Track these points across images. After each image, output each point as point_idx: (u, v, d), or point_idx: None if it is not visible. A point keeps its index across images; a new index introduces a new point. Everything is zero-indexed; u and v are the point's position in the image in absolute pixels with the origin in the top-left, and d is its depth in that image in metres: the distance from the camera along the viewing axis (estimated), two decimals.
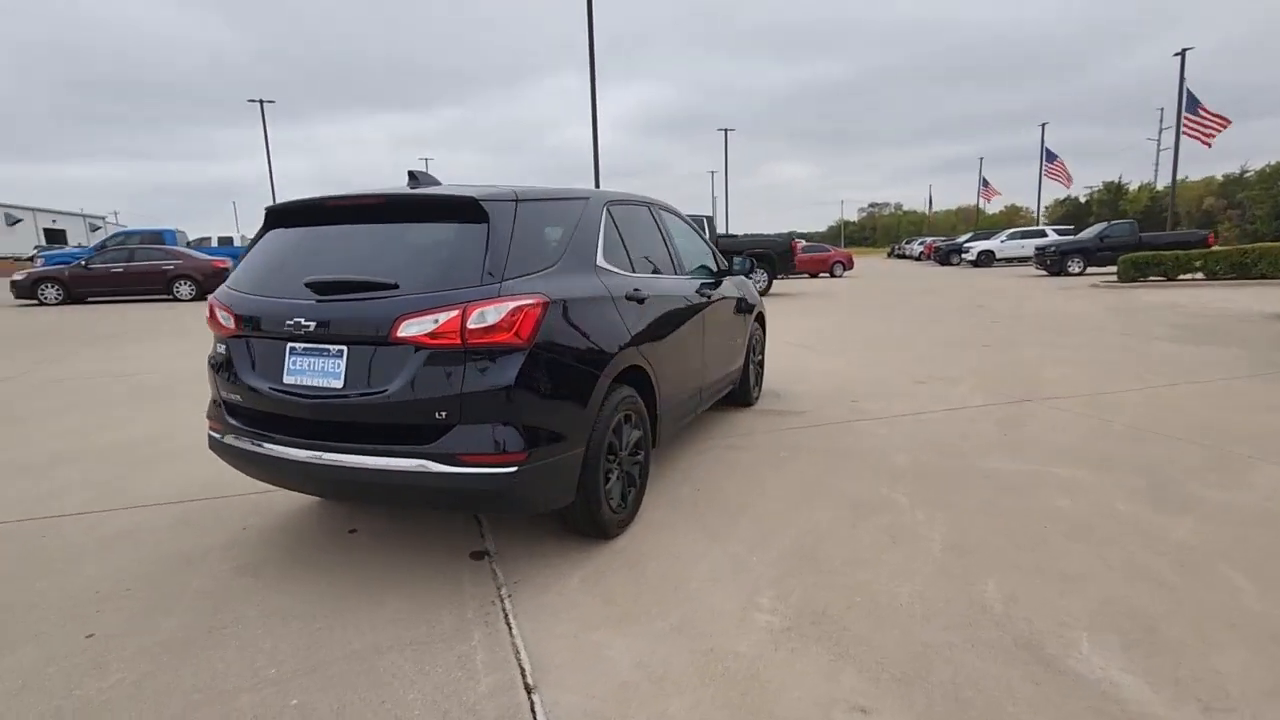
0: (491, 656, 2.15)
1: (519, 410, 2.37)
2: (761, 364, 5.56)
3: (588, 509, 2.75)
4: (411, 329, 2.31)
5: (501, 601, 2.48)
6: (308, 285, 2.48)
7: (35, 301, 16.34)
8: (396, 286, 2.39)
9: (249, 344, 2.67)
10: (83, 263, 16.90)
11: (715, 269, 4.65)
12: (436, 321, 2.30)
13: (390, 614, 2.39)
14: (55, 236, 51.29)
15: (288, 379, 2.53)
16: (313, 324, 2.43)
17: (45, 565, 2.82)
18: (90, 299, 17.00)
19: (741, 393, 5.13)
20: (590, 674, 2.06)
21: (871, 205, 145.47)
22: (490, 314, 2.32)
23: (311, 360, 2.49)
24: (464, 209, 2.53)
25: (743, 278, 5.26)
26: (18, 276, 16.75)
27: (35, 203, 53.48)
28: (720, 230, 25.40)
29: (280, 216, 2.82)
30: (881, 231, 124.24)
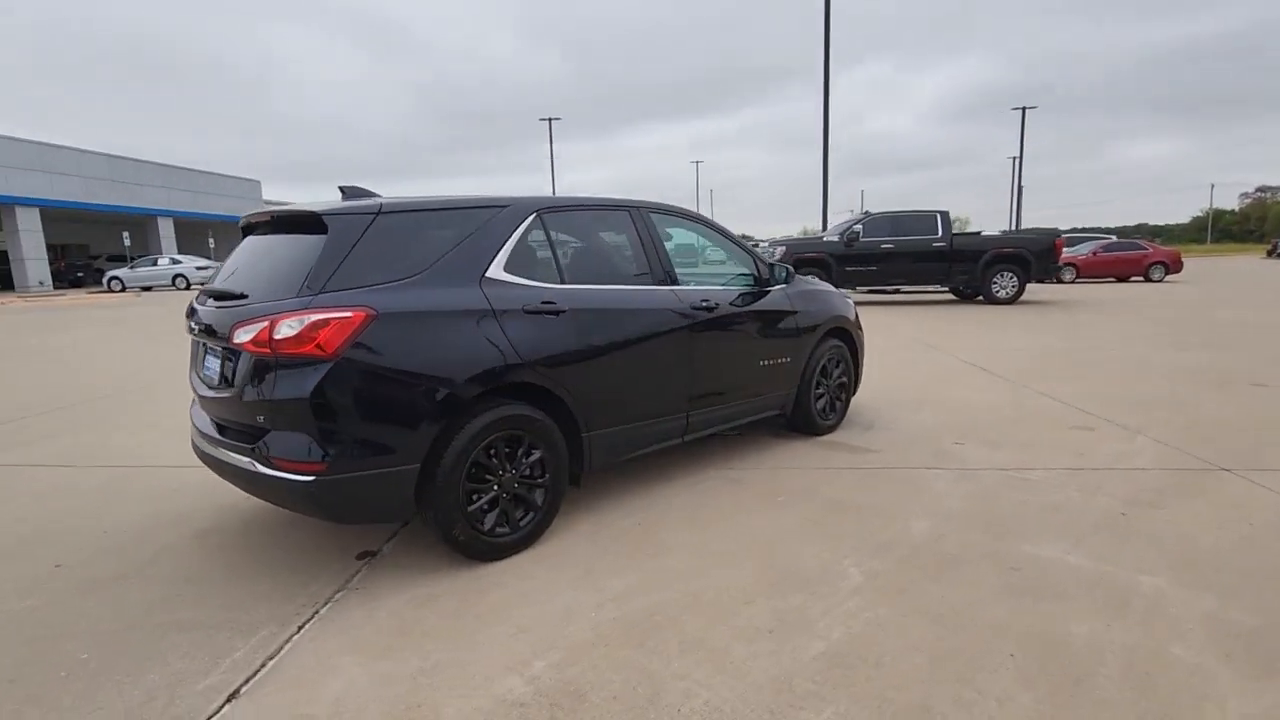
0: (248, 657, 2.23)
1: (318, 421, 2.40)
2: (846, 388, 4.78)
3: (442, 529, 2.68)
4: (242, 336, 2.49)
5: (322, 606, 2.55)
6: (203, 292, 2.81)
7: None
8: (245, 296, 2.59)
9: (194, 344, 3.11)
10: None
11: (757, 279, 4.13)
12: (254, 331, 2.44)
13: (234, 596, 2.61)
14: None
15: (202, 375, 2.90)
16: (199, 328, 2.75)
17: None
18: None
19: (802, 419, 4.48)
20: (301, 698, 2.02)
21: (1260, 190, 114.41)
22: (292, 326, 2.39)
23: (209, 360, 2.82)
24: (309, 223, 2.63)
25: (820, 290, 4.59)
26: None
27: None
28: (973, 228, 22.19)
29: (244, 229, 3.22)
30: (1272, 222, 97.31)
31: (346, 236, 2.58)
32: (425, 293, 2.65)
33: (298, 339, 2.37)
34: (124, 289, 28.34)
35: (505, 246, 2.97)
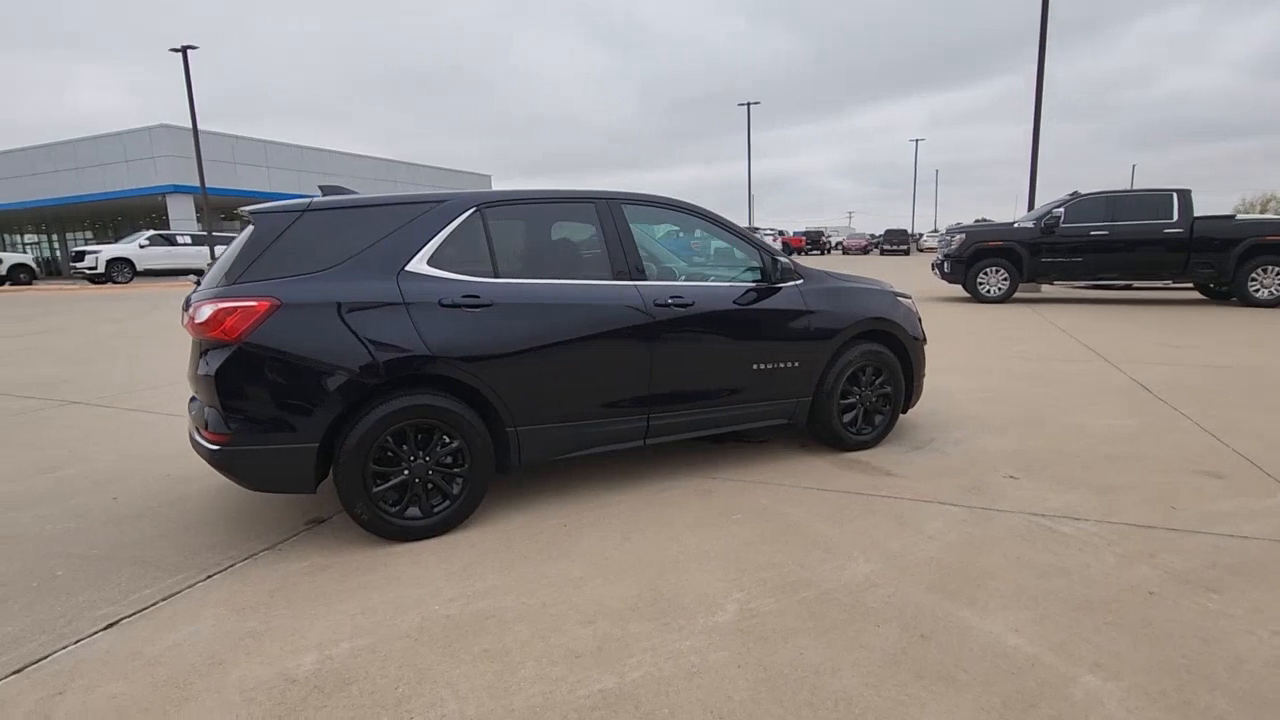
0: (150, 595, 2.60)
1: (222, 397, 2.70)
2: (892, 400, 4.18)
3: (345, 506, 2.87)
4: (184, 319, 2.87)
5: (239, 561, 2.87)
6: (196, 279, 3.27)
7: None
8: (199, 284, 2.97)
9: None
10: None
11: (763, 275, 3.78)
12: (187, 316, 2.81)
13: (192, 544, 3.05)
14: None
15: None
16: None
17: None
18: None
19: (822, 432, 4.02)
20: (150, 638, 2.32)
21: None
22: (205, 312, 2.70)
23: None
24: (247, 220, 2.93)
25: (851, 288, 4.08)
26: None
27: None
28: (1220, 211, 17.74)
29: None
30: None
31: (268, 233, 2.86)
32: (335, 285, 2.85)
33: (209, 324, 2.69)
34: None
35: (432, 241, 3.06)
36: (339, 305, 2.82)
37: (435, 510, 3.03)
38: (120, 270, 24.07)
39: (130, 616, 2.45)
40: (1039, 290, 14.95)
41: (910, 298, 4.47)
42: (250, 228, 2.90)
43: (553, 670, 2.09)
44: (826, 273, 4.14)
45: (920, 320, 4.45)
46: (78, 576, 2.76)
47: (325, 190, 3.36)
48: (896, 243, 46.25)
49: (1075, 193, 12.72)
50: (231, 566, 2.82)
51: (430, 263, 3.03)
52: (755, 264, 3.83)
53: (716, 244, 4.41)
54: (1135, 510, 3.15)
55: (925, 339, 4.46)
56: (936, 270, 14.07)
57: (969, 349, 7.71)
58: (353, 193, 3.30)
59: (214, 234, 26.87)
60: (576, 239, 3.51)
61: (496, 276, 3.15)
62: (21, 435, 4.95)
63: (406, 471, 2.94)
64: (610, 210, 3.48)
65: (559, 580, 2.66)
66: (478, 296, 3.05)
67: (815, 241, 52.34)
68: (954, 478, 3.65)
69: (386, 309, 2.89)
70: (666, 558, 2.83)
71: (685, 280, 3.75)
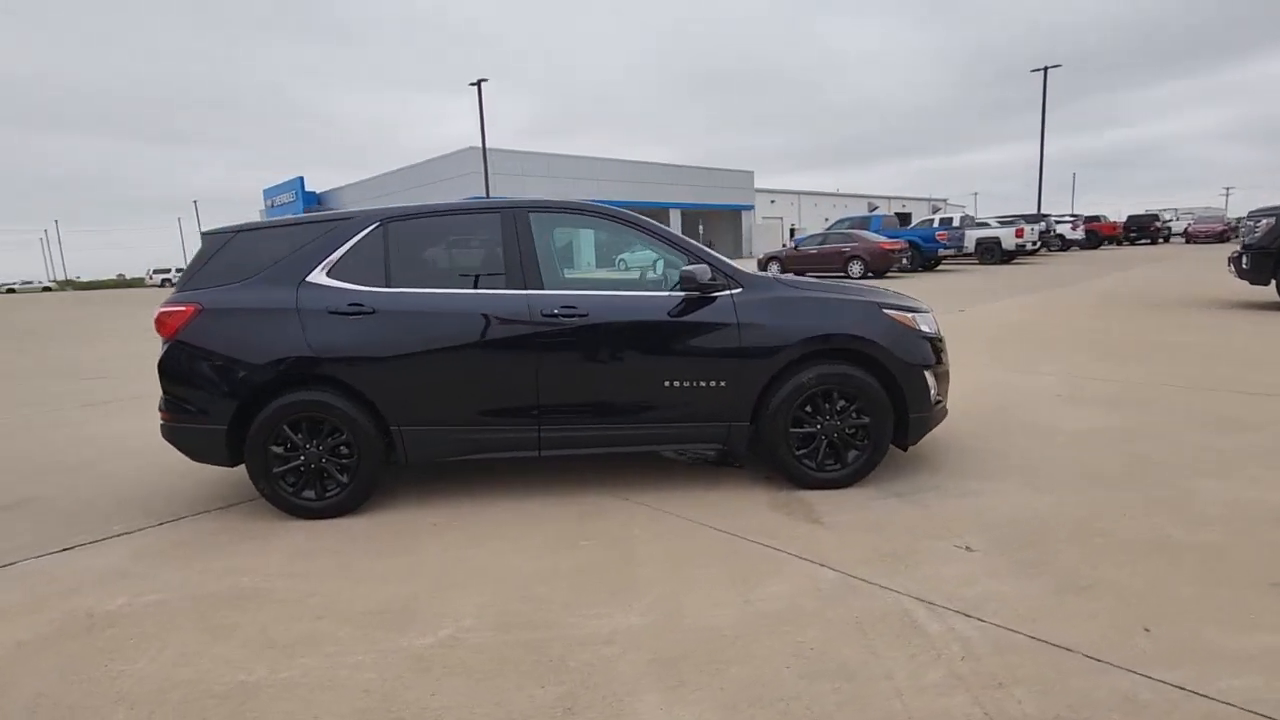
0: (86, 537, 3.37)
1: (163, 383, 3.35)
2: (872, 432, 3.46)
3: (252, 481, 3.37)
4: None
5: (180, 520, 3.54)
6: None
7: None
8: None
9: None
10: (794, 246, 21.64)
11: (692, 284, 3.41)
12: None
13: (160, 502, 3.83)
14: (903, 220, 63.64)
15: None
16: None
17: None
18: (787, 273, 21.65)
19: (772, 462, 3.52)
20: (48, 575, 3.03)
21: None
22: (156, 313, 3.37)
23: None
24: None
25: (816, 298, 3.52)
26: (760, 256, 22.98)
27: (936, 192, 66.41)
28: None
29: None
30: None
31: (209, 249, 3.46)
32: (246, 293, 3.34)
33: (157, 322, 3.37)
34: (627, 269, 36.37)
35: (334, 255, 3.39)
36: (245, 311, 3.32)
37: (328, 494, 3.38)
38: None
39: (51, 555, 3.21)
40: None
41: (918, 311, 3.63)
42: (200, 246, 3.55)
43: (234, 655, 2.27)
44: (784, 280, 3.59)
45: (930, 340, 3.59)
46: (51, 527, 3.68)
47: (310, 210, 3.91)
48: (1140, 229, 37.77)
49: None
50: (160, 524, 3.46)
51: (329, 274, 3.38)
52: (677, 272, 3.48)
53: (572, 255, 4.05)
54: (1082, 626, 2.24)
55: (937, 362, 3.59)
56: (1232, 266, 10.73)
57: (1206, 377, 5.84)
58: (323, 213, 3.80)
59: None
60: (478, 250, 3.56)
61: (389, 286, 3.39)
62: None
63: (302, 458, 3.34)
64: (515, 220, 3.47)
65: (356, 576, 2.81)
66: (362, 305, 3.32)
67: (1144, 228, 41.67)
68: (886, 537, 2.93)
69: (282, 315, 3.31)
70: (470, 570, 2.81)
71: (609, 290, 3.55)
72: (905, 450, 3.74)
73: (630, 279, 3.77)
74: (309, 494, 3.38)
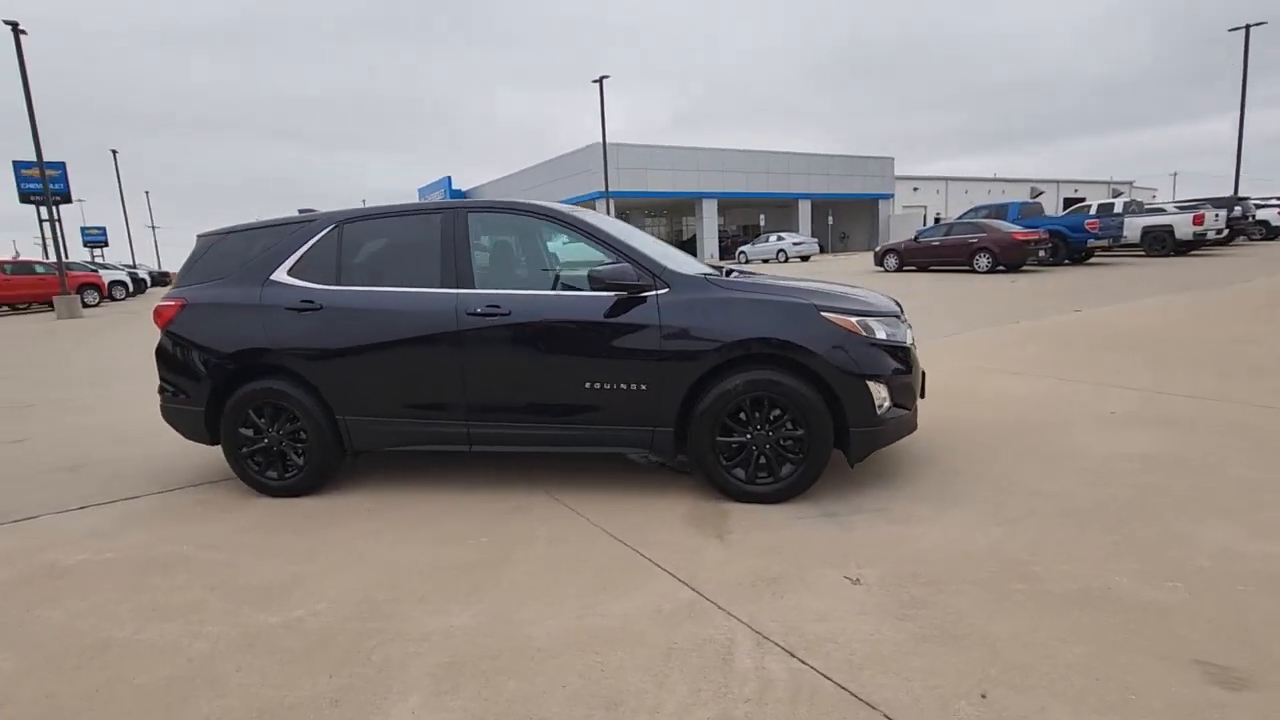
0: (97, 498, 3.90)
1: (159, 368, 3.80)
2: (808, 446, 3.21)
3: (226, 459, 3.76)
4: None
5: (183, 490, 4.00)
6: None
7: (881, 269, 20.78)
8: None
9: None
10: (915, 238, 20.12)
11: (621, 285, 3.32)
12: None
13: (178, 474, 4.34)
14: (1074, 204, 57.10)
15: None
16: None
17: None
18: (906, 268, 20.12)
19: (700, 470, 3.37)
20: (40, 536, 3.56)
21: None
22: (155, 307, 3.82)
23: None
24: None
25: (750, 299, 3.32)
26: (877, 249, 21.61)
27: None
28: None
29: None
30: None
31: (200, 251, 3.87)
32: (220, 290, 3.71)
33: (154, 315, 3.83)
34: (747, 261, 35.57)
35: (295, 254, 3.67)
36: (218, 306, 3.70)
37: (287, 475, 3.69)
38: None
39: (53, 514, 3.74)
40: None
41: (872, 315, 3.29)
42: (194, 246, 3.98)
43: (123, 613, 2.56)
44: (716, 280, 3.38)
45: (887, 347, 3.25)
46: (59, 487, 4.27)
47: (301, 211, 4.27)
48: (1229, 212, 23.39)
49: None
50: (172, 491, 3.95)
51: (290, 273, 3.67)
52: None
53: (501, 255, 3.96)
54: (912, 683, 1.96)
55: (898, 371, 3.25)
56: None
57: None
58: (312, 214, 4.12)
59: None
60: (420, 250, 3.67)
61: (338, 284, 3.62)
62: None
63: (265, 440, 3.67)
64: (454, 220, 3.57)
65: (270, 553, 3.05)
66: (312, 301, 3.57)
67: None
68: (779, 560, 2.72)
69: (247, 310, 3.64)
70: (359, 556, 2.96)
71: (500, 289, 3.53)
72: (851, 467, 3.43)
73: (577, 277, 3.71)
74: (271, 474, 3.71)
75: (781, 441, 3.25)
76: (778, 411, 3.23)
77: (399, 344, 3.50)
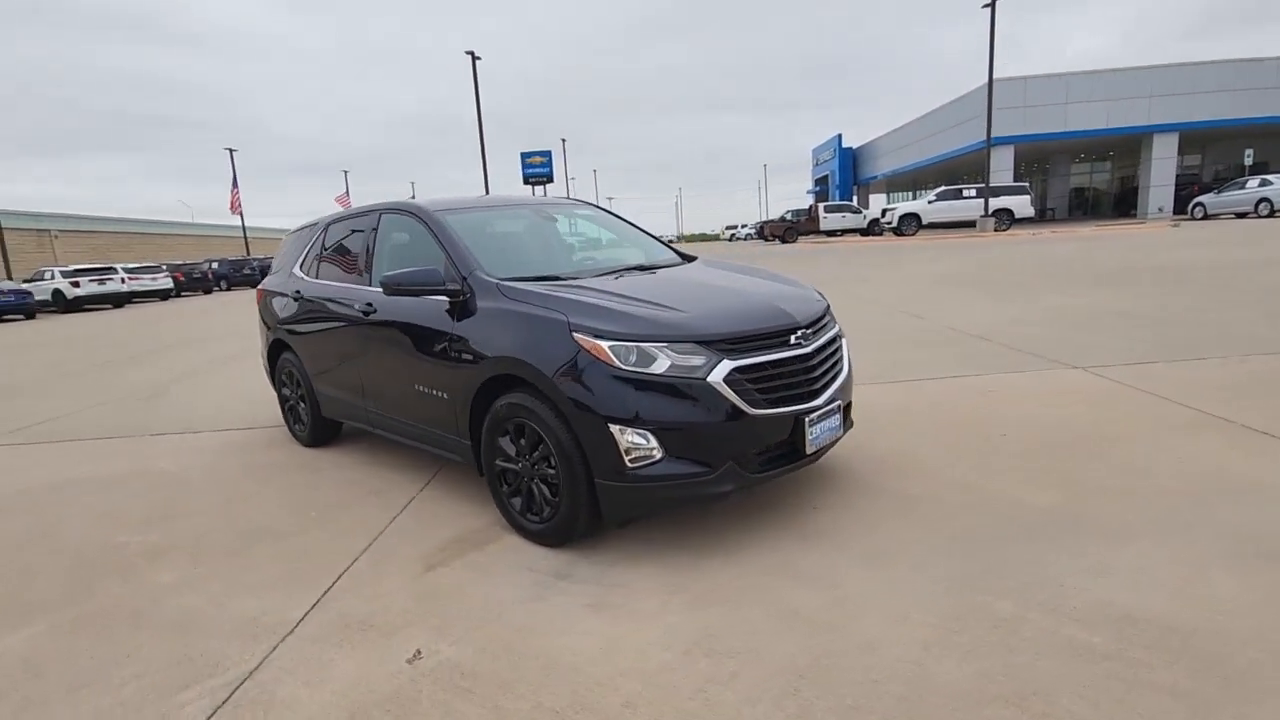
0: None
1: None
2: (560, 486, 2.70)
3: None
4: None
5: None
6: None
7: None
8: None
9: None
10: None
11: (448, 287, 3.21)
12: None
13: None
14: None
15: None
16: None
17: None
18: None
19: (492, 492, 3.09)
20: None
21: None
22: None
23: None
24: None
25: (531, 315, 2.89)
26: None
27: None
28: None
29: None
30: None
31: (282, 247, 4.94)
32: (277, 278, 4.73)
33: (258, 297, 5.08)
34: (1205, 217, 26.07)
35: (304, 252, 4.46)
36: (268, 292, 4.75)
37: (298, 425, 4.61)
38: (908, 224, 27.93)
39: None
40: None
41: (647, 341, 2.50)
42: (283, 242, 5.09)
43: (95, 527, 3.70)
44: (506, 288, 2.96)
45: (657, 384, 2.47)
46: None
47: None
48: None
49: None
50: (249, 429, 5.27)
51: (299, 267, 4.48)
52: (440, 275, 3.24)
53: (396, 254, 3.80)
54: None
55: (673, 418, 2.46)
56: None
57: None
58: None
59: (999, 186, 27.28)
60: (358, 247, 3.97)
61: (316, 278, 4.28)
62: None
63: (291, 398, 4.65)
64: (377, 221, 3.86)
65: (243, 496, 3.91)
66: (299, 292, 4.32)
67: None
68: (530, 577, 2.43)
69: (280, 296, 4.59)
70: (248, 507, 3.61)
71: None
72: (604, 523, 2.70)
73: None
74: (297, 426, 4.68)
75: (540, 477, 2.78)
76: (541, 443, 2.76)
77: (332, 332, 4.02)
